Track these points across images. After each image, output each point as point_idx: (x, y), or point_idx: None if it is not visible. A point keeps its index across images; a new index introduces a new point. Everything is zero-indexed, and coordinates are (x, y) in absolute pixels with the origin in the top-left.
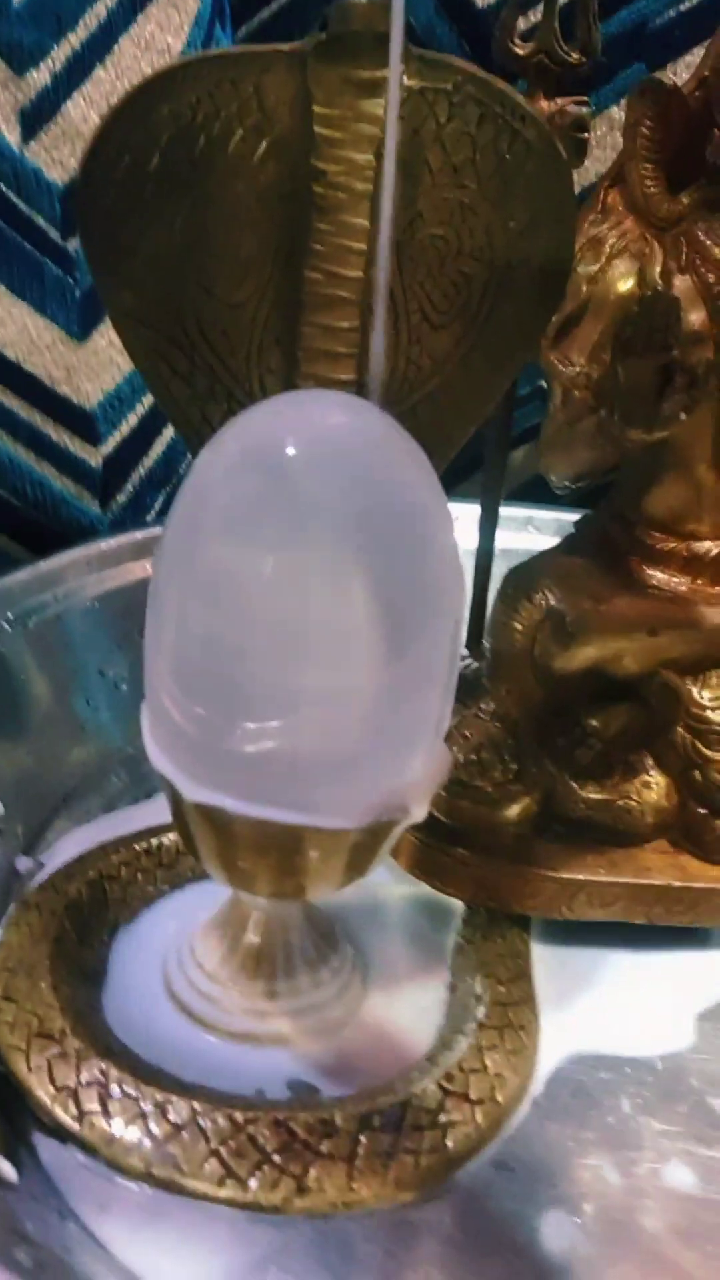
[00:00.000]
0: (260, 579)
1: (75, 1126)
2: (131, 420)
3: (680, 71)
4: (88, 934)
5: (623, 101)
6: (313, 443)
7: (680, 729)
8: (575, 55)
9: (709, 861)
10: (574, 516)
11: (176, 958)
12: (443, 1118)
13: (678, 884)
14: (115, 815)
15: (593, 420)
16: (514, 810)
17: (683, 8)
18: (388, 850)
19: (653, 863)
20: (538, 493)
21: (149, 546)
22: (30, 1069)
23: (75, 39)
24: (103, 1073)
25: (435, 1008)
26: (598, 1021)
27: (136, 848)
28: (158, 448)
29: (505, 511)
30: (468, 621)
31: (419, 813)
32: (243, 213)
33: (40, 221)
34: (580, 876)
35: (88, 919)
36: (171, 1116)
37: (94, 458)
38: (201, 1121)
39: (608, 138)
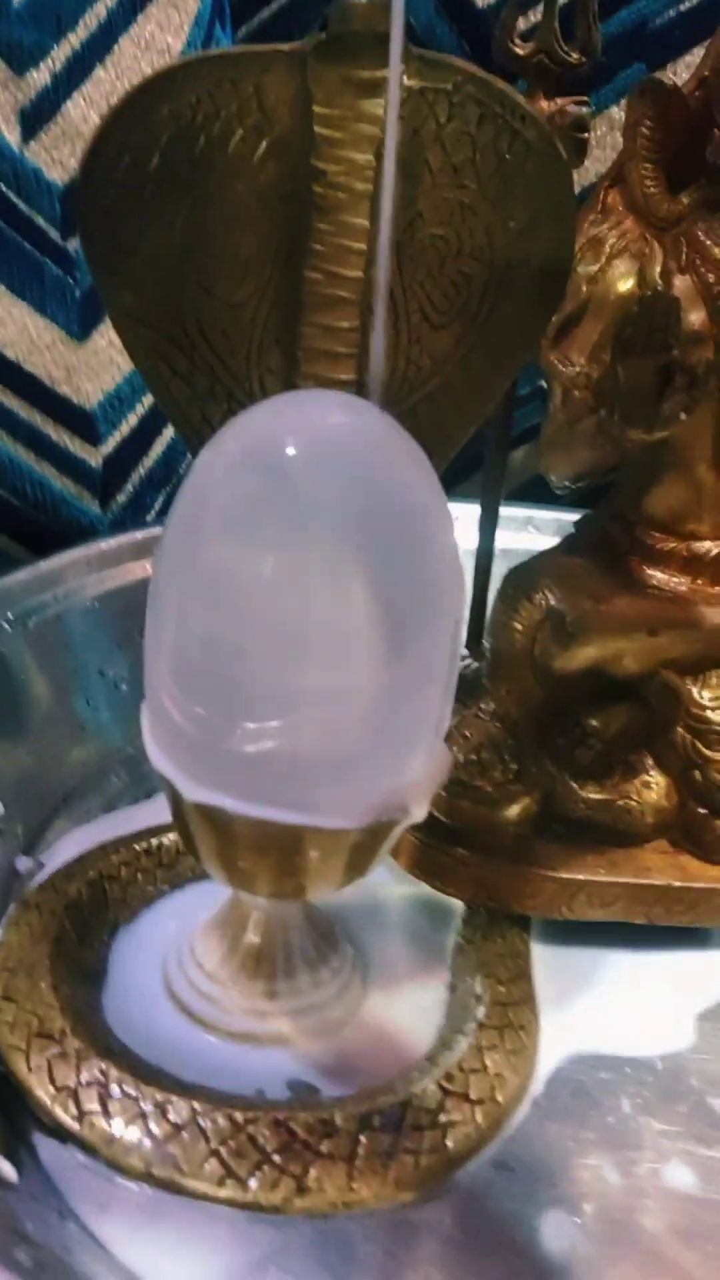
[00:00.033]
0: (260, 579)
1: (75, 1126)
2: (131, 420)
3: (680, 71)
4: (88, 934)
5: (623, 101)
6: (313, 443)
7: (680, 729)
8: (575, 55)
9: (709, 861)
10: (574, 516)
11: (176, 958)
12: (443, 1118)
13: (678, 884)
14: (115, 815)
15: (593, 420)
16: (514, 810)
17: (683, 8)
18: (388, 850)
19: (653, 863)
20: (538, 493)
21: (149, 546)
22: (30, 1069)
23: (75, 39)
24: (103, 1073)
25: (435, 1008)
26: (598, 1021)
27: (136, 848)
28: (158, 448)
29: (505, 511)
30: (468, 621)
31: (419, 813)
32: (243, 213)
33: (40, 221)
34: (580, 876)
35: (88, 919)
36: (171, 1116)
37: (94, 458)
38: (201, 1121)
39: (608, 138)
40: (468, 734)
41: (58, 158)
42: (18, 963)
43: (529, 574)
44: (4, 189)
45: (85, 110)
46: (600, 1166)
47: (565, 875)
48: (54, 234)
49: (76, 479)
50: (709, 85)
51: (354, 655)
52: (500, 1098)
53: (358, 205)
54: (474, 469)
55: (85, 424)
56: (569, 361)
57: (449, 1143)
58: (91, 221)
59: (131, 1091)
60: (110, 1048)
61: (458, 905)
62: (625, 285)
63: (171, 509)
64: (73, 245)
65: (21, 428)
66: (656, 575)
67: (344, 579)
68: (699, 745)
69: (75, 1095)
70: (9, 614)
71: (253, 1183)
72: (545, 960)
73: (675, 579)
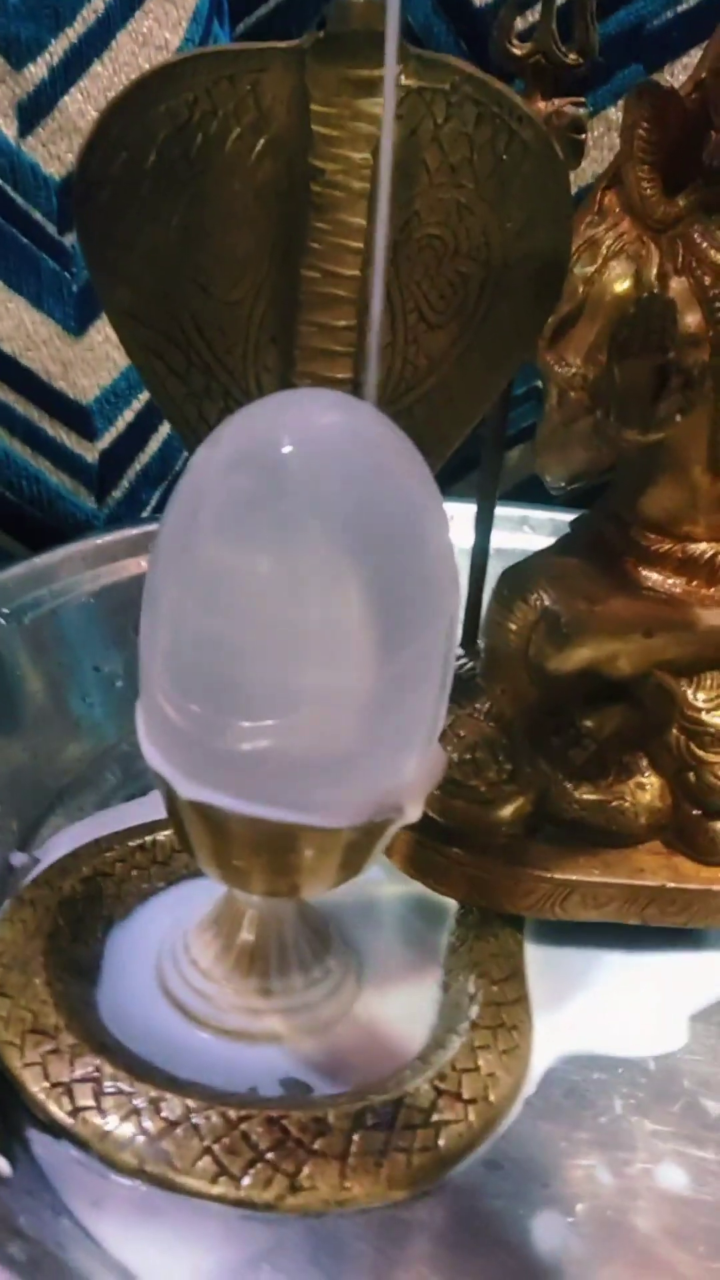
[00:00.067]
0: (255, 577)
1: (69, 1122)
2: (128, 416)
3: (678, 73)
4: (82, 930)
5: (620, 102)
6: (308, 442)
7: (675, 730)
8: (573, 56)
9: (703, 863)
10: (569, 517)
11: (171, 955)
12: (435, 1117)
13: (671, 885)
14: (110, 812)
15: (588, 421)
16: (508, 810)
17: (680, 9)
18: (382, 849)
19: (646, 864)
20: (533, 493)
21: (144, 542)
22: (24, 1064)
23: (73, 33)
24: (96, 1069)
25: (428, 1007)
26: (591, 1022)
27: (131, 844)
28: (154, 444)
29: (501, 511)
30: (463, 621)
31: (413, 812)
32: (239, 210)
33: (37, 216)
34: (574, 877)
35: (82, 915)
36: (165, 1113)
37: (90, 453)
38: (195, 1118)
39: (605, 139)
40: (462, 733)
41: (55, 152)
42: (12, 958)
43: (524, 574)
44: (1, 183)
45: (82, 105)
46: (593, 1166)
47: (559, 875)
48: (51, 229)
49: (72, 474)
50: (706, 87)
51: (349, 654)
52: (493, 1097)
53: (355, 204)
54: (470, 469)
55: (81, 419)
56: (565, 362)
57: (441, 1142)
58: (88, 218)
59: (125, 1088)
60: (104, 1044)
61: (451, 904)
62: (621, 286)
63: (167, 507)
64: (70, 240)
65: (18, 422)
66: (651, 576)
67: (339, 578)
68: (693, 747)
69: (69, 1091)
70: (4, 609)
71: (246, 1180)
72: (538, 960)
73: (670, 580)
